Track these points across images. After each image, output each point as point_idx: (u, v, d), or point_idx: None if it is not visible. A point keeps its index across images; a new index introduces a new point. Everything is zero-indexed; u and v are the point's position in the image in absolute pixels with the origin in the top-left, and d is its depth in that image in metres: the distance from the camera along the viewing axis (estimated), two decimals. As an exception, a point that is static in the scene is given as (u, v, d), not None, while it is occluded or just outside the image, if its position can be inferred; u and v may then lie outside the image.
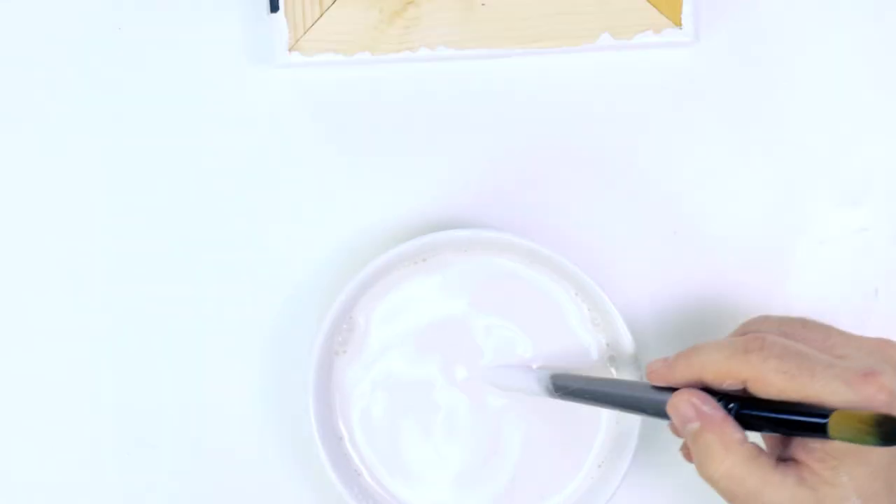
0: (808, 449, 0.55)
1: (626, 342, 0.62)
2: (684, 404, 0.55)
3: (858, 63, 0.65)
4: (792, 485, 0.54)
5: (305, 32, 0.64)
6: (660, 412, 0.56)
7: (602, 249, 0.65)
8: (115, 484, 0.67)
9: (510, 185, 0.66)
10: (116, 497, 0.67)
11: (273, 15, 0.64)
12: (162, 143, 0.66)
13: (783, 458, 0.56)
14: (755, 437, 0.55)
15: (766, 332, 0.57)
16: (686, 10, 0.63)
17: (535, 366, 0.63)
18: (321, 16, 0.64)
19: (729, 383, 0.55)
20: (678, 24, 0.63)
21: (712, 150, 0.66)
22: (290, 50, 0.64)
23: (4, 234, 0.67)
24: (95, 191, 0.66)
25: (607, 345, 0.63)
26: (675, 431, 0.57)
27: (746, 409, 0.54)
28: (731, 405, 0.54)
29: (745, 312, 0.64)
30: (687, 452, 0.58)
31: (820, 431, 0.51)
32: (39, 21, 0.66)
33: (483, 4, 0.64)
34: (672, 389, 0.56)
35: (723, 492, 0.55)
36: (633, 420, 0.62)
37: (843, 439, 0.51)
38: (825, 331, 0.58)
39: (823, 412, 0.52)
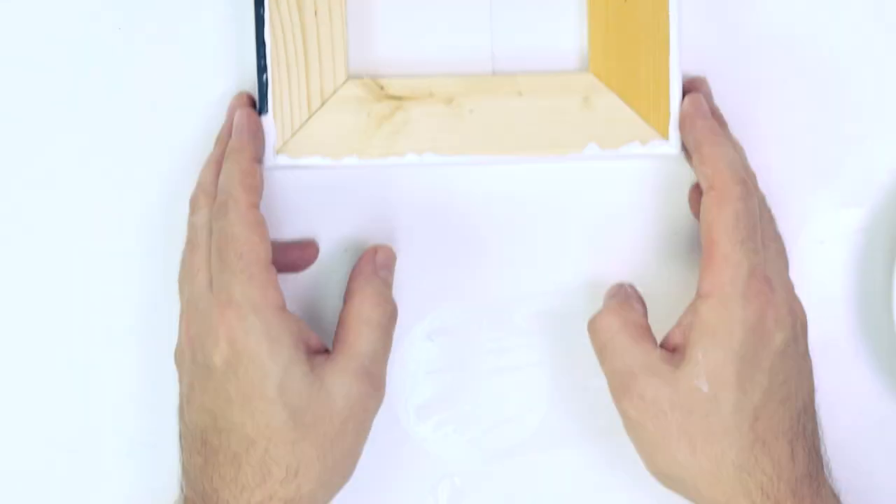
0: (681, 324, 0.59)
1: None
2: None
3: (859, 63, 0.66)
4: (657, 356, 0.59)
5: (293, 135, 0.64)
6: None
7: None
8: (114, 485, 0.67)
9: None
10: (116, 497, 0.67)
11: (262, 117, 0.64)
12: (160, 145, 0.66)
13: None
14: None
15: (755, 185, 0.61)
16: (673, 121, 0.64)
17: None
18: (310, 117, 0.64)
19: (701, 179, 0.60)
20: (665, 135, 0.64)
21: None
22: (277, 152, 0.64)
23: (4, 233, 0.66)
24: (95, 190, 0.66)
25: None
26: None
27: None
28: None
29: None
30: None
31: None
32: (39, 21, 0.66)
33: (471, 111, 0.64)
34: None
35: (595, 341, 0.61)
36: None
37: None
38: (770, 222, 0.62)
39: None
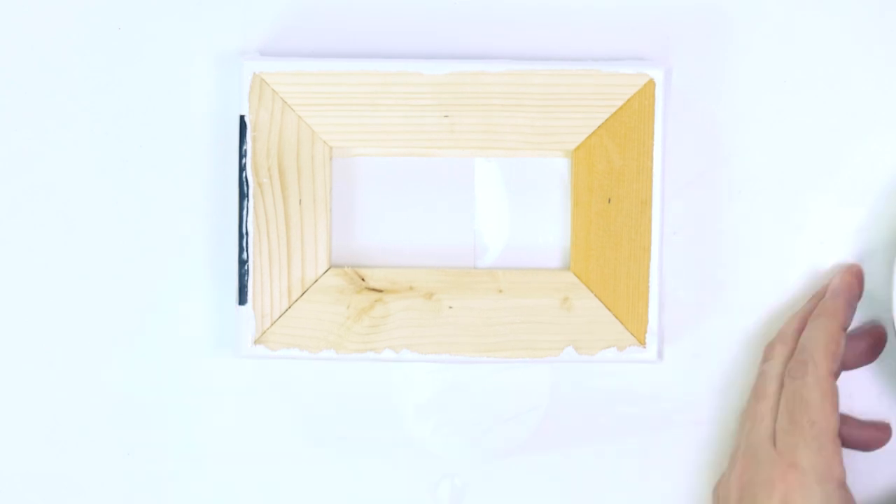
0: None
1: None
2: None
3: (858, 63, 0.66)
4: None
5: (272, 325, 0.64)
6: None
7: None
8: (115, 485, 0.67)
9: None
10: (116, 497, 0.67)
11: (240, 307, 0.64)
12: (159, 145, 0.66)
13: None
14: None
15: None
16: (651, 328, 0.64)
17: None
18: (289, 307, 0.64)
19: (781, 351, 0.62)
20: (642, 342, 0.64)
21: (713, 149, 0.66)
22: (255, 343, 0.64)
23: (4, 233, 0.66)
24: (93, 190, 0.66)
25: None
26: None
27: None
28: None
29: (745, 312, 0.66)
30: None
31: None
32: (39, 21, 0.66)
33: (451, 307, 0.64)
34: None
35: None
36: None
37: None
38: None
39: None
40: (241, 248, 0.64)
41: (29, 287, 0.66)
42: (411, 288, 0.64)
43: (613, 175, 0.64)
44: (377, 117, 0.64)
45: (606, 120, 0.64)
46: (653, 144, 0.63)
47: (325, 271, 0.64)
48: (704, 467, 0.66)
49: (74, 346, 0.67)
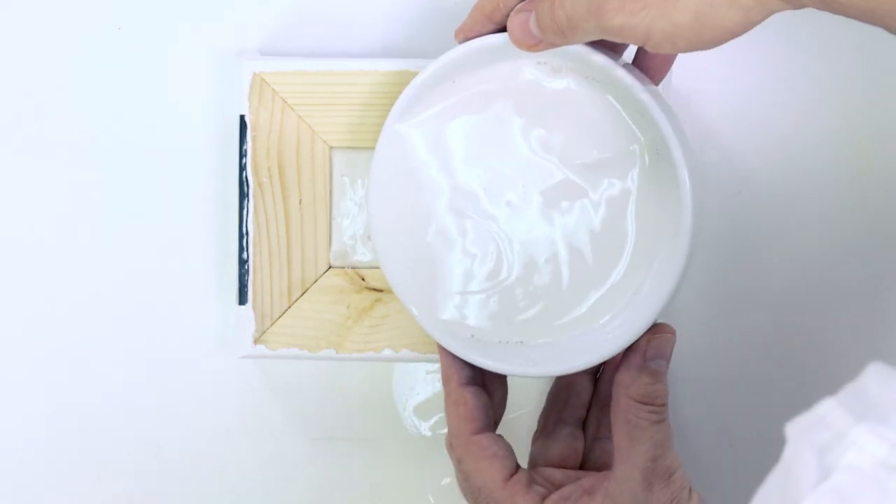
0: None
1: (669, 135, 0.57)
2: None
3: (858, 61, 0.65)
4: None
5: (272, 324, 0.64)
6: None
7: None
8: (115, 485, 0.67)
9: None
10: (117, 498, 0.67)
11: (240, 307, 0.64)
12: (159, 144, 0.66)
13: None
14: None
15: None
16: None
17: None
18: (289, 307, 0.64)
19: None
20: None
21: (713, 148, 0.66)
22: (255, 342, 0.64)
23: (4, 233, 0.67)
24: (92, 189, 0.66)
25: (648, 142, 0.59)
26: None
27: None
28: None
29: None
30: None
31: None
32: (40, 21, 0.66)
33: (449, 306, 0.64)
34: None
35: None
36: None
37: None
38: None
39: None
40: (241, 248, 0.64)
41: (28, 287, 0.67)
42: (411, 287, 0.64)
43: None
44: (377, 117, 0.63)
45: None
46: None
47: (325, 271, 0.64)
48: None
49: (74, 346, 0.67)
